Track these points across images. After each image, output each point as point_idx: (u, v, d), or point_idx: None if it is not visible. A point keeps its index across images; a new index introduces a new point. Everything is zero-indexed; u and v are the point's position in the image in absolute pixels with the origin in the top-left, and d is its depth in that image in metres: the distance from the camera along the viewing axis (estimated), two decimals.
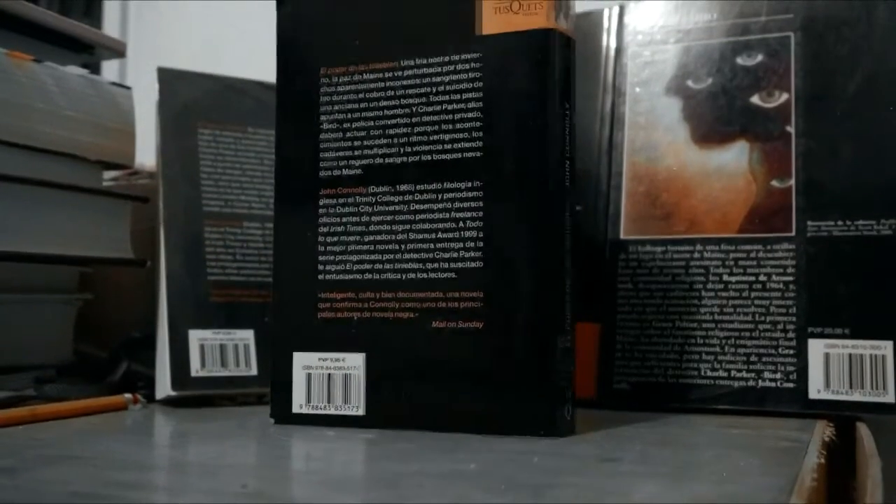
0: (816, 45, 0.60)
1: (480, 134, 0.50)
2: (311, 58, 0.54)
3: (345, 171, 0.53)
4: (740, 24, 0.63)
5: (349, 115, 0.53)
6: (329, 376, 0.52)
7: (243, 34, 1.10)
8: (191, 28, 1.14)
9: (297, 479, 0.38)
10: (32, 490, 0.35)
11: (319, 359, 0.52)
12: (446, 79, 0.51)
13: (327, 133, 0.53)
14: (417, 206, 0.51)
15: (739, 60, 0.62)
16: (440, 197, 0.50)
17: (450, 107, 0.50)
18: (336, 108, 0.53)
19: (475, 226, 0.49)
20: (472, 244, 0.49)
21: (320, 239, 0.53)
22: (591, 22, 0.67)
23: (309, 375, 0.52)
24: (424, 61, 0.51)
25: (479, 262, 0.49)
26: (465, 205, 0.50)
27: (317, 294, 0.52)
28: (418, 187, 0.51)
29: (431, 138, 0.51)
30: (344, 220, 0.52)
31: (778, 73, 0.61)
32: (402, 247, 0.51)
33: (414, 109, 0.51)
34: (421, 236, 0.51)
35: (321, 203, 0.53)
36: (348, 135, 0.53)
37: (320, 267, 0.53)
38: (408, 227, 0.51)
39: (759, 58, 0.62)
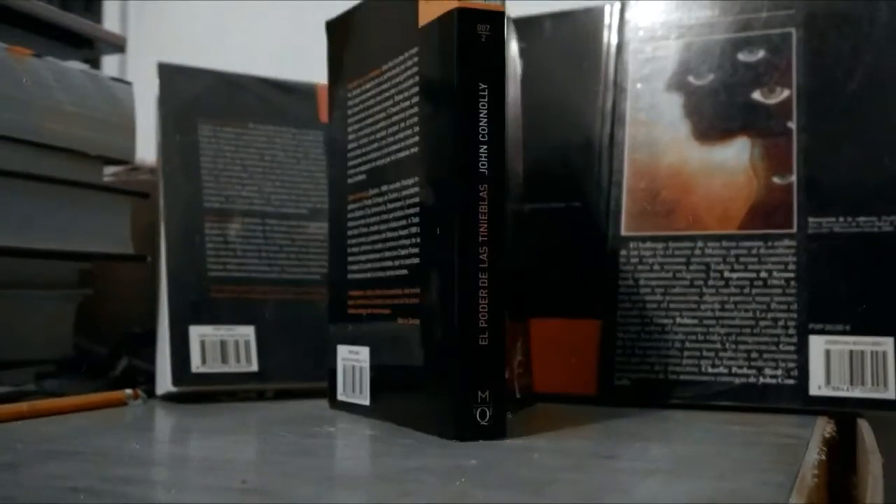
0: (818, 42, 0.60)
1: (417, 129, 0.49)
2: (343, 76, 0.58)
3: (357, 178, 0.55)
4: (742, 20, 0.63)
5: (357, 126, 0.55)
6: (353, 368, 0.55)
7: (244, 30, 1.10)
8: (191, 23, 1.14)
9: (298, 474, 0.38)
10: (32, 485, 0.35)
11: (349, 351, 0.55)
12: (401, 78, 0.51)
13: (350, 143, 0.56)
14: (390, 206, 0.52)
15: (741, 56, 0.62)
16: (400, 195, 0.51)
17: (405, 104, 0.51)
18: (351, 119, 0.56)
19: (415, 222, 0.49)
20: (414, 241, 0.49)
21: (349, 241, 0.56)
22: (593, 18, 0.67)
23: (344, 367, 0.56)
24: (389, 64, 0.52)
25: (417, 259, 0.49)
26: (410, 202, 0.50)
27: (347, 292, 0.55)
28: (390, 187, 0.52)
29: (397, 137, 0.51)
30: (359, 222, 0.55)
31: (779, 70, 0.61)
32: (383, 245, 0.52)
33: (388, 111, 0.52)
34: (393, 234, 0.51)
35: (349, 209, 0.56)
36: (360, 142, 0.55)
37: (349, 267, 0.55)
38: (385, 226, 0.52)
39: (761, 54, 0.62)
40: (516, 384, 0.55)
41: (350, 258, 0.55)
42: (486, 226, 0.46)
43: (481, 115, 0.47)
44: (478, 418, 0.46)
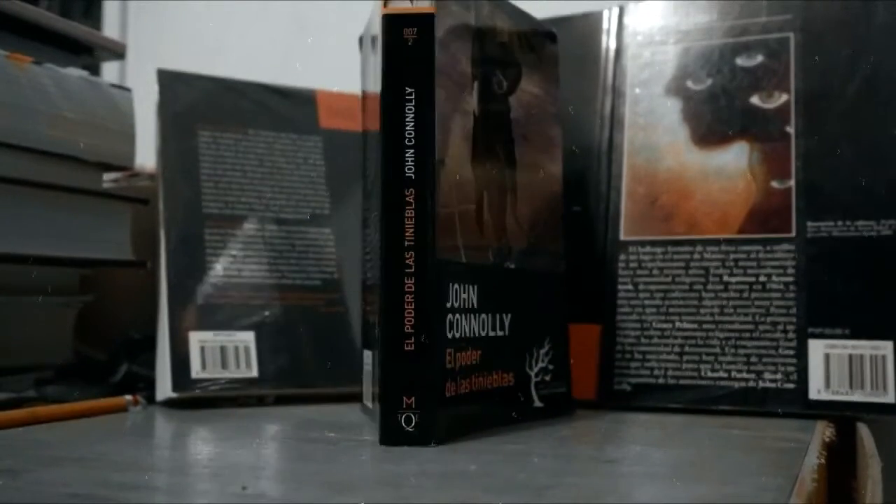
0: (816, 46, 0.60)
1: (374, 137, 0.50)
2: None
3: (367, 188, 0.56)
4: (740, 25, 0.63)
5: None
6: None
7: (243, 36, 1.10)
8: (191, 30, 1.14)
9: (298, 480, 0.38)
10: (33, 491, 0.35)
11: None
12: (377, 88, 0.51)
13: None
14: (367, 214, 0.54)
15: (739, 61, 0.62)
16: (364, 204, 0.53)
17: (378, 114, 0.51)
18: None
19: (366, 232, 0.50)
20: (365, 248, 0.50)
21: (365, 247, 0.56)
22: (591, 23, 0.68)
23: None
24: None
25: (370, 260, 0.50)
26: (364, 208, 0.51)
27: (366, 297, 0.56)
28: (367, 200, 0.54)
29: (370, 145, 0.53)
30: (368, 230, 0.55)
31: (777, 74, 0.61)
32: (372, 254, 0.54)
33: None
34: (369, 240, 0.53)
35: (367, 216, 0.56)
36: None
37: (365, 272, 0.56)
38: (368, 234, 0.54)
39: (759, 58, 0.62)
40: (534, 390, 0.55)
41: (366, 264, 0.56)
42: (412, 230, 0.46)
43: (407, 120, 0.46)
44: (402, 424, 0.45)
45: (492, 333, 0.51)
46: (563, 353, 0.58)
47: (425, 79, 0.46)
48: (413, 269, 0.46)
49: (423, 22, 0.47)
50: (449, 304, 0.47)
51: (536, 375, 0.55)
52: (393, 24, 0.47)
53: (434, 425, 0.45)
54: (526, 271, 0.55)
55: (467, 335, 0.49)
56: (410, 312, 0.45)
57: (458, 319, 0.48)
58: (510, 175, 0.54)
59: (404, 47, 0.47)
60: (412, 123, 0.46)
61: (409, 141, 0.46)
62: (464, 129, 0.50)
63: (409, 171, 0.46)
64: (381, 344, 0.46)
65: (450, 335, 0.47)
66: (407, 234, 0.46)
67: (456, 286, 0.48)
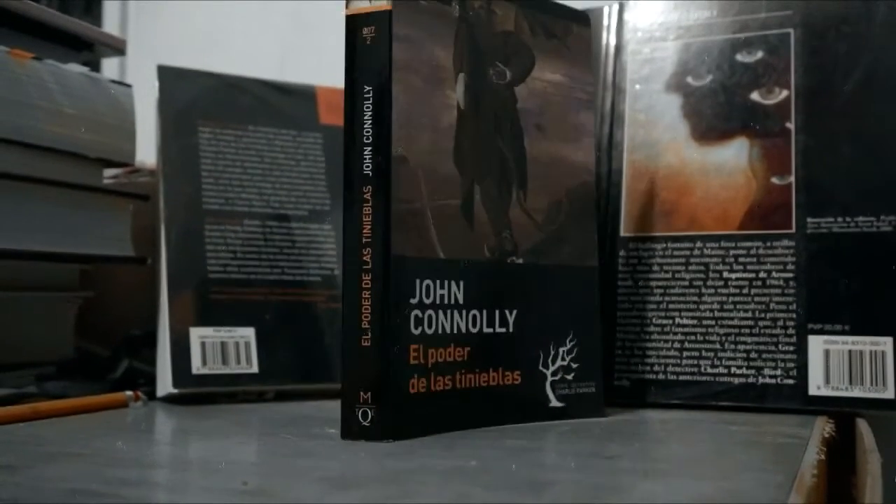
0: (816, 42, 0.60)
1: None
2: None
3: None
4: (740, 21, 0.63)
5: None
6: None
7: (244, 32, 1.10)
8: (191, 26, 1.14)
9: (299, 476, 0.38)
10: (33, 487, 0.35)
11: None
12: None
13: None
14: None
15: (739, 57, 0.62)
16: None
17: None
18: None
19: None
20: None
21: None
22: (591, 19, 0.67)
23: None
24: None
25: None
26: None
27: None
28: None
29: None
30: None
31: (778, 70, 0.61)
32: None
33: None
34: None
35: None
36: None
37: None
38: None
39: (759, 54, 0.62)
40: (551, 390, 0.53)
41: None
42: (369, 227, 0.46)
43: (365, 118, 0.47)
44: (360, 419, 0.46)
45: (487, 330, 0.51)
46: (593, 352, 0.56)
47: (382, 76, 0.47)
48: (370, 266, 0.46)
49: (380, 20, 0.47)
50: (415, 300, 0.47)
51: (554, 374, 0.54)
52: (352, 24, 0.47)
53: (391, 422, 0.46)
54: (540, 266, 0.53)
55: (446, 331, 0.48)
56: (367, 308, 0.46)
57: (429, 315, 0.48)
58: (517, 167, 0.53)
59: (363, 46, 0.47)
60: (370, 121, 0.47)
61: (367, 139, 0.47)
62: (442, 123, 0.49)
63: (367, 168, 0.46)
64: (342, 339, 0.46)
65: (416, 331, 0.47)
66: (364, 231, 0.46)
67: (427, 282, 0.48)
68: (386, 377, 0.46)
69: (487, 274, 0.51)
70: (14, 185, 0.59)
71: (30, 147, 0.60)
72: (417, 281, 0.47)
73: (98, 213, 0.65)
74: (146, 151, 0.71)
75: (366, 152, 0.46)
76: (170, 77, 0.67)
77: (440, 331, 0.48)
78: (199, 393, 0.61)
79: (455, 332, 0.49)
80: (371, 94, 0.47)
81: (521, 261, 0.52)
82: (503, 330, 0.51)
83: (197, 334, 0.62)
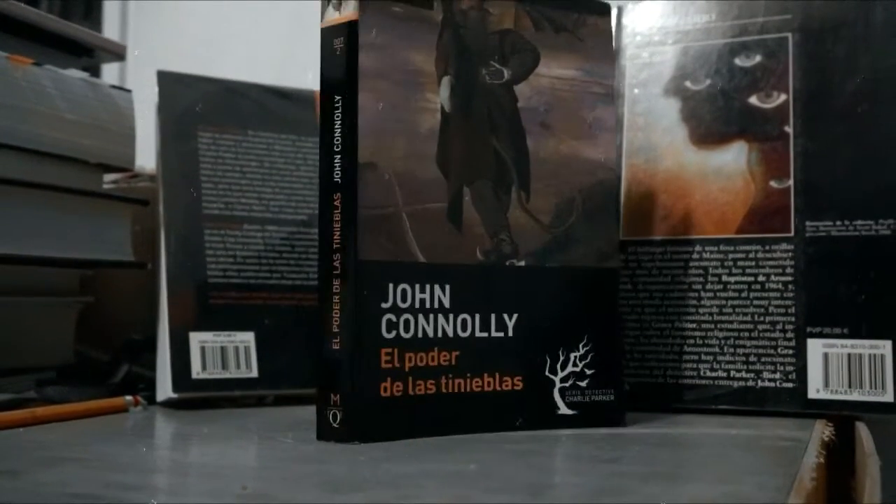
0: (814, 46, 0.61)
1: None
2: None
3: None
4: (738, 25, 0.63)
5: None
6: None
7: (243, 37, 1.10)
8: (191, 31, 1.15)
9: (298, 480, 0.38)
10: (33, 492, 0.35)
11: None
12: None
13: None
14: None
15: (737, 61, 0.62)
16: None
17: None
18: None
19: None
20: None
21: None
22: None
23: None
24: None
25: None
26: None
27: None
28: None
29: None
30: None
31: (776, 74, 0.61)
32: None
33: None
34: None
35: None
36: None
37: None
38: None
39: (758, 59, 0.62)
40: (559, 397, 0.52)
41: None
42: (339, 233, 0.47)
43: (336, 127, 0.48)
44: (330, 420, 0.47)
45: (481, 335, 0.50)
46: (610, 357, 0.53)
47: (350, 85, 0.47)
48: (339, 271, 0.47)
49: (348, 30, 0.48)
50: (387, 304, 0.47)
51: (564, 381, 0.52)
52: (326, 36, 0.49)
53: (360, 424, 0.46)
54: (546, 268, 0.52)
55: (428, 336, 0.48)
56: (337, 312, 0.47)
57: (406, 320, 0.48)
58: (517, 168, 0.52)
59: (334, 57, 0.48)
60: (339, 130, 0.48)
61: (338, 147, 0.48)
62: (421, 128, 0.49)
63: (337, 176, 0.48)
64: (316, 342, 0.47)
65: (390, 335, 0.47)
66: (335, 237, 0.47)
67: (403, 286, 0.48)
68: (353, 380, 0.46)
69: (480, 278, 0.50)
70: (14, 190, 0.59)
71: (30, 152, 0.60)
72: (391, 285, 0.47)
73: (98, 218, 0.65)
74: (146, 156, 0.71)
75: (336, 160, 0.48)
76: (169, 82, 0.67)
77: (420, 335, 0.48)
78: (199, 397, 0.61)
79: (439, 336, 0.49)
80: (340, 104, 0.48)
81: (522, 263, 0.52)
82: (500, 334, 0.51)
83: (197, 339, 0.62)
